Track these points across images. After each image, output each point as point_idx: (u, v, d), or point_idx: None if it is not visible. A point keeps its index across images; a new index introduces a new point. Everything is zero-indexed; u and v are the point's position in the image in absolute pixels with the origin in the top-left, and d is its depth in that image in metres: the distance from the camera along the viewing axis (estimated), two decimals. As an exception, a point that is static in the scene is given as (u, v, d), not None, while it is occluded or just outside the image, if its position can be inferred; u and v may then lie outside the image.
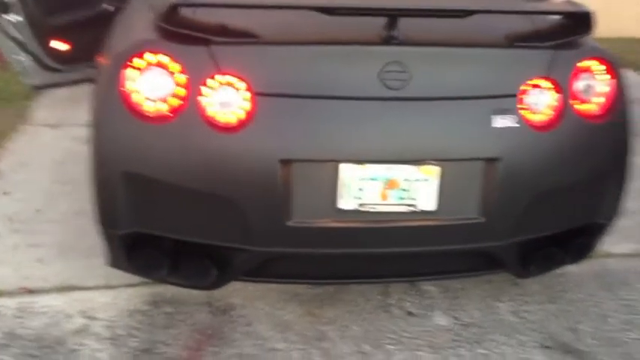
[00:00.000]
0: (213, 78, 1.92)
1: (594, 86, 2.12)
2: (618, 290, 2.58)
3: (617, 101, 2.16)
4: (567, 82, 2.08)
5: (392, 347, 2.20)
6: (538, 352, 2.21)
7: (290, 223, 1.96)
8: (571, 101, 2.08)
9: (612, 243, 2.58)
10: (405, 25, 1.93)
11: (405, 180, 1.99)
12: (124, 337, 2.17)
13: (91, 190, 2.08)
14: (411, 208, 2.01)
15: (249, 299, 2.38)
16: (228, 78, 1.91)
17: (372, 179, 1.97)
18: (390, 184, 1.99)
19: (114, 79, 1.95)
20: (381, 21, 1.94)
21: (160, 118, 1.94)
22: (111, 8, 3.85)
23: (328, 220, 1.99)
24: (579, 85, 2.10)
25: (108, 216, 2.05)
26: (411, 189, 1.99)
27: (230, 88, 1.92)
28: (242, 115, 1.91)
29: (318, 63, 1.94)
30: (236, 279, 2.13)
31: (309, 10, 1.90)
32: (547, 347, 2.24)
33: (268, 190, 1.93)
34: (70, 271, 2.50)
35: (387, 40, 1.93)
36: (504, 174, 2.01)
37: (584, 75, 2.11)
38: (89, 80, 3.82)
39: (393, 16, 1.91)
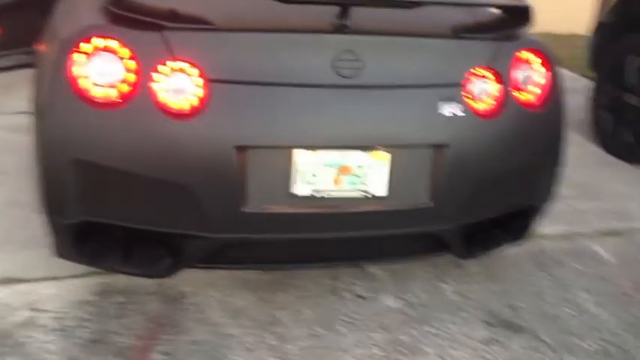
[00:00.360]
0: (165, 64, 1.91)
1: (532, 76, 2.23)
2: (552, 269, 2.72)
3: (553, 92, 2.28)
4: (507, 72, 2.17)
5: (344, 329, 2.25)
6: (481, 328, 2.32)
7: (245, 209, 1.97)
8: (511, 91, 2.18)
9: (546, 225, 2.72)
10: (357, 14, 1.98)
11: (358, 166, 2.04)
12: (73, 328, 2.13)
13: (37, 179, 2.03)
14: (364, 194, 2.06)
15: (200, 287, 2.38)
16: (181, 64, 1.91)
17: (326, 165, 2.01)
18: (343, 169, 2.03)
19: (61, 65, 1.91)
20: (335, 10, 1.97)
21: (110, 104, 1.91)
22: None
23: (283, 205, 2.01)
24: (518, 75, 2.20)
25: (55, 205, 2.01)
26: (363, 175, 2.04)
27: (183, 75, 1.92)
28: (196, 102, 1.91)
29: (272, 50, 1.95)
30: (189, 266, 2.12)
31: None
32: (489, 324, 2.35)
33: (223, 176, 1.94)
34: (10, 264, 2.43)
35: (340, 29, 1.97)
36: (452, 160, 2.08)
37: (522, 65, 2.21)
38: (22, 67, 3.73)
39: (344, 5, 1.95)
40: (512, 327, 2.34)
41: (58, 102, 1.93)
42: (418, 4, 2.00)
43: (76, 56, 1.90)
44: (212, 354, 2.08)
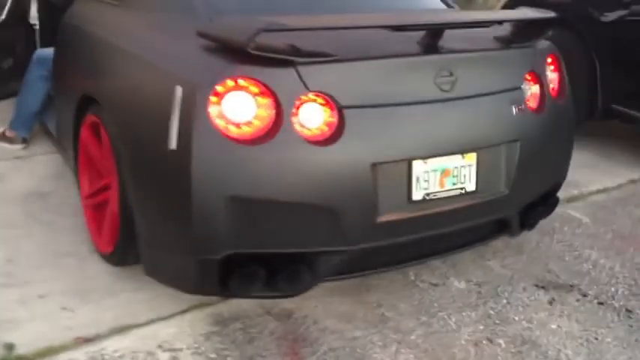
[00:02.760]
0: (302, 97, 2.06)
1: (555, 74, 2.67)
2: (554, 235, 3.21)
3: (566, 85, 2.74)
4: (544, 73, 2.59)
5: (442, 313, 2.53)
6: (540, 292, 2.72)
7: (377, 220, 2.18)
8: (547, 89, 2.60)
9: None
10: (446, 35, 2.27)
11: (455, 168, 2.33)
12: (223, 358, 2.19)
13: (177, 220, 2.08)
14: (460, 191, 2.36)
15: (297, 301, 2.51)
16: (316, 95, 2.07)
17: (434, 171, 2.28)
18: (446, 172, 2.31)
19: (204, 106, 1.99)
20: (430, 34, 2.24)
21: (257, 140, 2.03)
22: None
23: (404, 212, 2.24)
24: (548, 74, 2.63)
25: (204, 243, 2.07)
26: (459, 175, 2.34)
27: (318, 105, 2.08)
28: (333, 129, 2.09)
29: (389, 74, 2.18)
30: (324, 280, 2.28)
31: (374, 29, 2.14)
32: (542, 287, 2.76)
33: (361, 192, 2.13)
34: (109, 312, 2.39)
35: (438, 50, 2.24)
36: (520, 152, 2.45)
37: (550, 66, 2.64)
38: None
39: (441, 29, 2.23)
40: (561, 287, 2.77)
41: (205, 143, 2.00)
42: (493, 23, 2.33)
43: (218, 97, 2.00)
44: (355, 356, 2.26)
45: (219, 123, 2.01)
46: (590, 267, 2.95)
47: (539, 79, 2.56)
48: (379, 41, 2.21)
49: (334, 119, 2.09)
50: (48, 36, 4.10)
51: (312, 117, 2.07)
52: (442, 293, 2.67)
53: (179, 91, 2.05)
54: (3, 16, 3.74)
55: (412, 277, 2.75)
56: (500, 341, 2.39)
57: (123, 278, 2.60)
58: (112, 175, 2.61)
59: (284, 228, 2.11)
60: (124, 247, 2.48)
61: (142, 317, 2.37)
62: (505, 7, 5.21)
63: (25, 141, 3.82)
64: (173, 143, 2.05)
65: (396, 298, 2.61)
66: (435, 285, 2.72)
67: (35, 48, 4.07)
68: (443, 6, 2.98)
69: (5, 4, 3.76)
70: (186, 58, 2.17)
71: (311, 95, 2.06)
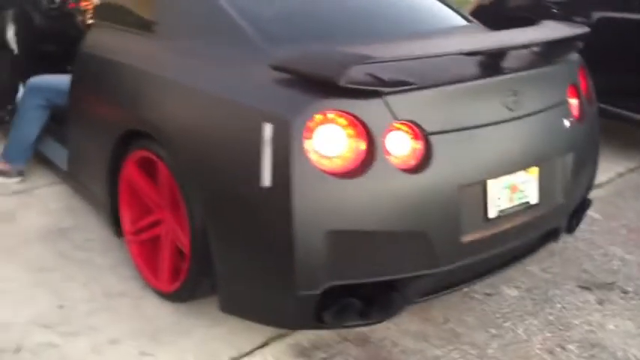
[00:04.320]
0: (392, 126, 2.07)
1: (586, 84, 2.79)
2: (576, 234, 3.34)
3: (593, 92, 2.86)
4: (580, 85, 2.70)
5: (507, 323, 2.60)
6: (586, 293, 2.84)
7: (462, 240, 2.22)
8: (583, 99, 2.72)
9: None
10: (507, 56, 2.33)
11: (521, 183, 2.40)
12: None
13: (274, 256, 2.05)
14: (526, 205, 2.43)
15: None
16: (404, 124, 2.09)
17: (504, 188, 2.34)
18: (513, 188, 2.38)
19: (300, 142, 1.97)
20: (495, 56, 2.30)
21: (353, 173, 2.03)
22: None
23: (482, 230, 2.29)
24: (582, 85, 2.74)
25: (304, 278, 2.04)
26: (525, 189, 2.41)
27: (406, 133, 2.10)
28: (422, 155, 2.11)
29: (466, 97, 2.21)
30: (413, 303, 2.30)
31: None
32: (586, 288, 2.89)
33: (449, 215, 2.17)
34: (189, 353, 2.32)
35: (503, 71, 2.30)
36: (572, 162, 2.55)
37: (583, 79, 2.76)
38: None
39: (505, 52, 2.29)
40: (602, 286, 2.90)
41: (304, 178, 1.97)
42: (549, 43, 2.41)
43: (311, 132, 1.98)
44: (442, 375, 2.31)
45: (315, 158, 1.99)
46: (620, 263, 3.10)
47: (577, 90, 2.66)
48: (448, 66, 2.24)
49: (421, 146, 2.11)
50: (31, 62, 3.93)
51: (401, 145, 2.08)
52: (499, 303, 2.74)
53: (268, 128, 2.02)
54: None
55: (465, 289, 2.81)
56: (571, 347, 2.49)
57: (186, 315, 2.53)
58: (167, 211, 2.55)
59: (379, 257, 2.11)
60: (194, 284, 2.42)
61: (223, 355, 2.32)
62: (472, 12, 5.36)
63: (21, 173, 3.63)
64: (267, 180, 2.02)
65: (459, 312, 2.66)
66: (490, 295, 2.79)
67: (18, 74, 3.87)
68: (464, 22, 3.05)
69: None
70: (266, 93, 2.12)
71: (399, 124, 2.08)
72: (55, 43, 4.02)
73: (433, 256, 2.17)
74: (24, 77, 3.88)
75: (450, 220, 2.17)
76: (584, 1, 4.86)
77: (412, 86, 2.09)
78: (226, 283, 2.26)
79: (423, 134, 2.11)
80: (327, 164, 2.01)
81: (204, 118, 2.26)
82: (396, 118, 2.07)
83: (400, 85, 2.08)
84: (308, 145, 1.98)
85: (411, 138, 2.10)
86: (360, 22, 2.70)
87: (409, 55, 2.11)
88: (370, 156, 2.04)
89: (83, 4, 3.73)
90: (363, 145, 2.04)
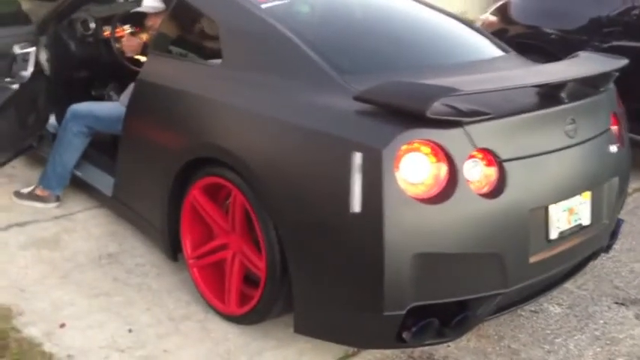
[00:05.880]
0: (471, 154, 2.20)
1: (622, 111, 2.97)
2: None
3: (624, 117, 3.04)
4: (617, 112, 2.88)
5: (558, 340, 2.74)
6: (622, 309, 3.00)
7: (530, 260, 2.36)
8: (621, 125, 2.89)
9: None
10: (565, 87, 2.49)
11: (576, 206, 2.55)
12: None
13: (361, 279, 2.15)
14: (580, 226, 2.57)
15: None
16: (481, 151, 2.22)
17: (563, 211, 2.49)
18: (570, 211, 2.52)
19: (390, 170, 2.09)
20: (558, 87, 2.45)
21: (437, 199, 2.15)
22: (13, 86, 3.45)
23: (546, 250, 2.43)
24: (619, 112, 2.92)
25: (392, 299, 2.15)
26: (579, 211, 2.56)
27: (484, 160, 2.23)
28: (497, 181, 2.24)
29: (533, 126, 2.36)
30: (481, 321, 2.41)
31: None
32: (622, 304, 3.05)
33: (520, 238, 2.30)
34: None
35: (564, 101, 2.45)
36: (617, 185, 2.72)
37: (619, 106, 2.94)
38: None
39: (566, 83, 2.44)
40: (636, 302, 3.07)
41: (394, 205, 2.09)
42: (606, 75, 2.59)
43: (399, 161, 2.10)
44: (512, 390, 2.42)
45: (403, 184, 2.11)
46: (649, 278, 3.27)
47: (617, 116, 2.84)
48: (515, 96, 2.39)
49: (497, 172, 2.24)
50: (63, 88, 3.97)
51: (479, 172, 2.21)
52: (546, 320, 2.88)
53: (358, 156, 2.13)
54: (29, 70, 3.56)
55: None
56: (621, 360, 2.64)
57: (253, 337, 2.61)
58: (236, 236, 2.62)
59: (458, 277, 2.23)
60: (267, 307, 2.49)
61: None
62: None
63: (58, 199, 3.65)
64: (357, 207, 2.12)
65: (510, 328, 2.79)
66: (535, 312, 2.93)
67: (50, 101, 3.91)
68: (501, 52, 3.20)
69: (28, 58, 3.59)
70: (351, 123, 2.23)
71: (477, 152, 2.21)
72: (87, 70, 4.07)
73: (505, 277, 2.30)
74: (55, 104, 3.93)
75: (521, 242, 2.31)
76: (582, 30, 5.12)
77: (489, 116, 2.23)
78: (305, 306, 2.35)
79: (498, 161, 2.24)
80: (413, 190, 2.13)
81: (285, 146, 2.35)
82: (474, 146, 2.20)
83: (479, 115, 2.21)
84: (398, 172, 2.10)
85: (488, 165, 2.24)
86: (415, 53, 2.84)
87: (489, 88, 2.25)
88: (452, 182, 2.16)
89: (118, 32, 3.79)
90: (446, 172, 2.16)
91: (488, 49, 3.14)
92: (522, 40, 5.44)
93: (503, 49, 3.22)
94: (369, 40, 2.83)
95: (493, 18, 5.76)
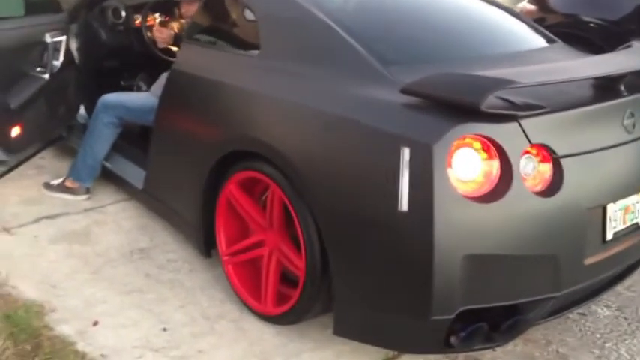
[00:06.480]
0: (526, 150, 2.07)
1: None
2: None
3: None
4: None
5: (608, 343, 2.61)
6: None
7: (585, 262, 2.23)
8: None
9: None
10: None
11: (632, 204, 2.41)
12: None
13: (408, 281, 2.04)
14: (636, 226, 2.44)
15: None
16: (536, 147, 2.09)
17: (619, 210, 2.35)
18: (626, 210, 2.39)
19: (441, 167, 1.97)
20: (613, 80, 2.31)
21: (490, 197, 2.02)
22: (45, 77, 3.37)
23: (602, 251, 2.30)
24: None
25: (441, 302, 2.03)
26: (635, 210, 2.42)
27: (539, 156, 2.10)
28: (554, 178, 2.11)
29: (591, 120, 2.22)
30: (530, 326, 2.29)
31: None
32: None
33: (575, 238, 2.17)
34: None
35: (622, 94, 2.31)
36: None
37: None
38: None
39: (624, 76, 2.30)
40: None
41: (445, 203, 1.97)
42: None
43: (451, 157, 1.98)
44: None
45: (454, 183, 1.99)
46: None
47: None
48: (570, 89, 2.25)
49: (553, 169, 2.12)
50: (93, 78, 3.90)
51: (534, 169, 2.09)
52: (594, 323, 2.75)
53: (406, 152, 2.01)
54: (60, 60, 3.49)
55: (558, 310, 2.81)
56: (677, 365, 2.50)
57: (290, 338, 2.51)
58: (273, 233, 2.53)
59: (510, 280, 2.11)
60: (305, 308, 2.40)
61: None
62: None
63: (88, 191, 3.59)
64: (404, 205, 2.01)
65: (558, 332, 2.66)
66: (583, 315, 2.80)
67: (82, 90, 3.85)
68: (548, 42, 3.05)
69: (60, 47, 3.51)
70: (399, 116, 2.12)
71: (532, 148, 2.08)
72: (117, 60, 4.00)
73: (558, 279, 2.17)
74: (84, 94, 3.86)
75: (577, 243, 2.18)
76: (626, 19, 4.93)
77: (545, 110, 2.10)
78: (347, 307, 2.25)
79: (554, 157, 2.11)
80: (465, 188, 2.01)
81: (329, 140, 2.24)
82: (529, 142, 2.07)
83: (535, 109, 2.08)
84: (449, 169, 1.98)
85: (544, 161, 2.11)
86: (460, 43, 2.71)
87: (545, 80, 2.12)
88: (506, 180, 2.04)
89: (149, 20, 3.71)
90: (499, 169, 2.04)
91: (535, 38, 3.00)
92: (561, 29, 5.29)
93: (550, 39, 3.08)
94: (413, 30, 2.70)
95: (531, 7, 5.58)
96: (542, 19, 5.46)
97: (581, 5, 5.31)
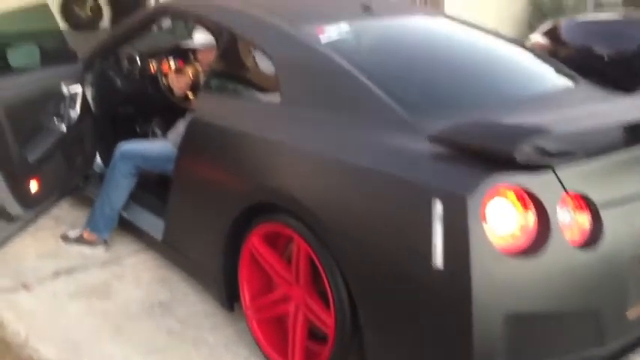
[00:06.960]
0: (563, 199, 1.99)
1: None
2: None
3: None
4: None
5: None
6: None
7: (627, 315, 2.13)
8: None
9: None
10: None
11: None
12: None
13: (447, 341, 1.95)
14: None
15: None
16: (573, 196, 2.02)
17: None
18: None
19: (476, 220, 1.89)
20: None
21: (528, 251, 1.94)
22: (62, 128, 3.34)
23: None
24: None
25: (480, 363, 1.94)
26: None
27: (578, 206, 2.02)
28: (593, 229, 2.03)
29: (625, 166, 2.15)
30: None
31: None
32: None
33: (617, 291, 2.08)
34: None
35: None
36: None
37: None
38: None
39: None
40: None
41: (482, 259, 1.89)
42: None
43: (485, 209, 1.90)
44: None
45: (491, 237, 1.91)
46: None
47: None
48: (603, 132, 2.18)
49: (591, 219, 2.04)
50: (108, 125, 3.88)
51: (572, 219, 2.01)
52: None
53: (438, 205, 1.94)
54: (77, 110, 3.46)
55: None
56: None
57: (319, 397, 2.41)
58: (299, 288, 2.45)
59: (553, 338, 2.01)
60: (337, 366, 2.31)
61: None
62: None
63: (105, 242, 3.53)
64: (439, 261, 1.93)
65: None
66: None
67: (98, 138, 3.81)
68: (572, 81, 2.98)
69: (76, 97, 3.49)
70: (429, 167, 2.05)
71: (569, 197, 2.01)
72: (132, 106, 3.97)
73: (601, 334, 2.08)
74: (99, 142, 3.83)
75: (619, 295, 2.09)
76: (637, 52, 4.89)
77: (581, 156, 2.03)
78: (381, 367, 2.15)
79: (591, 207, 2.04)
80: (502, 243, 1.93)
81: (355, 191, 2.16)
82: (566, 191, 2.00)
83: (570, 156, 2.01)
84: (484, 223, 1.90)
85: (581, 211, 2.03)
86: (484, 86, 2.65)
87: (582, 127, 2.06)
88: (544, 232, 1.96)
89: (164, 67, 3.69)
90: (537, 221, 1.96)
91: (560, 78, 2.94)
92: (574, 62, 5.24)
93: (572, 78, 3.02)
94: (436, 75, 2.65)
95: (543, 40, 5.55)
96: (554, 52, 5.43)
97: (594, 38, 5.29)
